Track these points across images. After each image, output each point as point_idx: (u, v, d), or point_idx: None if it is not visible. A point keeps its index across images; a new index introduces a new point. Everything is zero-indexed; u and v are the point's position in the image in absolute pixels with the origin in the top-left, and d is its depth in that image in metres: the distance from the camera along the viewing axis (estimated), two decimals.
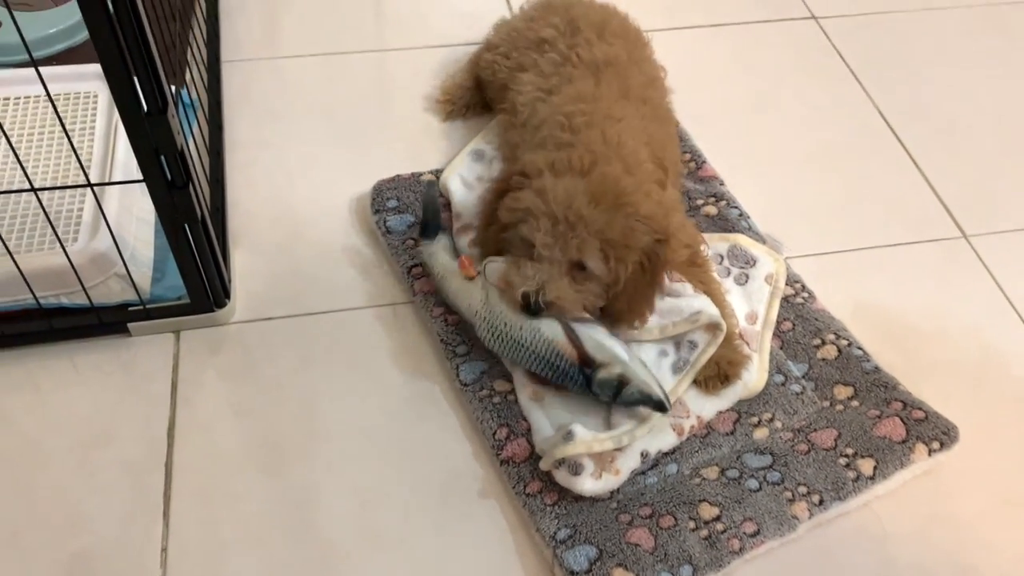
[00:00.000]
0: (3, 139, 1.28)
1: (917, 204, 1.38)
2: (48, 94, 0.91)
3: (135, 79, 0.86)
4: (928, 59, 1.63)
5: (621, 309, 1.05)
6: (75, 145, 1.28)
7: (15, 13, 1.50)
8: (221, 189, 1.29)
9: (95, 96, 1.34)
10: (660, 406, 0.99)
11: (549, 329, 1.02)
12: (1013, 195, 1.40)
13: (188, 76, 1.29)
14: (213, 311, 1.15)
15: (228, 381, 1.11)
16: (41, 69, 1.35)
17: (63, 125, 0.89)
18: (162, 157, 0.94)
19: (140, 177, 0.96)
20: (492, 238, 1.09)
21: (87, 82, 1.36)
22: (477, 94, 1.43)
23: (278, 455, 1.05)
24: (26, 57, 1.45)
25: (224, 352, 1.14)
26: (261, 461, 1.04)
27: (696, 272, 1.15)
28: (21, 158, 1.26)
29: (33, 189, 0.93)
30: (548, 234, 1.00)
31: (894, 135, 1.48)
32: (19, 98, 1.35)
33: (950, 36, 1.68)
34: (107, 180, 1.20)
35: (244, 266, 1.23)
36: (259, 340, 1.16)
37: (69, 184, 1.18)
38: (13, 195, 1.20)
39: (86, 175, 0.95)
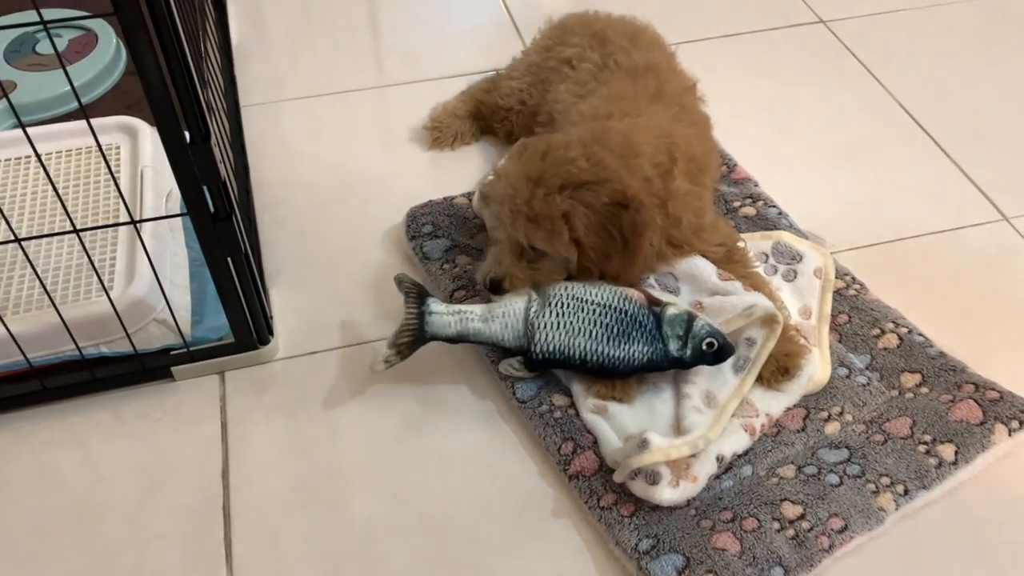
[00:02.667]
0: (32, 192, 1.27)
1: (954, 191, 1.37)
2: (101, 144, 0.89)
3: (178, 108, 0.85)
4: (941, 53, 1.63)
5: (600, 274, 1.06)
6: (103, 195, 1.28)
7: (32, 74, 1.51)
8: (253, 229, 1.27)
9: (117, 147, 1.33)
10: (726, 345, 1.01)
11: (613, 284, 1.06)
12: None
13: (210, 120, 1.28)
14: (257, 348, 1.12)
15: (279, 418, 1.08)
16: (61, 125, 1.39)
17: (109, 168, 0.88)
18: (205, 188, 0.93)
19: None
20: None
21: (108, 135, 1.34)
22: (468, 123, 1.44)
23: (339, 489, 1.01)
24: (44, 115, 1.47)
25: (272, 390, 1.11)
26: (322, 496, 1.01)
27: (736, 268, 1.14)
28: (49, 211, 1.26)
29: (76, 230, 0.91)
30: (494, 217, 1.05)
31: (920, 127, 1.47)
32: (41, 155, 1.33)
33: (958, 30, 1.69)
34: (138, 228, 1.18)
35: (283, 304, 1.21)
36: (306, 375, 1.13)
37: (112, 223, 1.16)
38: (43, 249, 1.19)
39: (130, 213, 0.93)
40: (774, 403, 1.04)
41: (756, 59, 1.62)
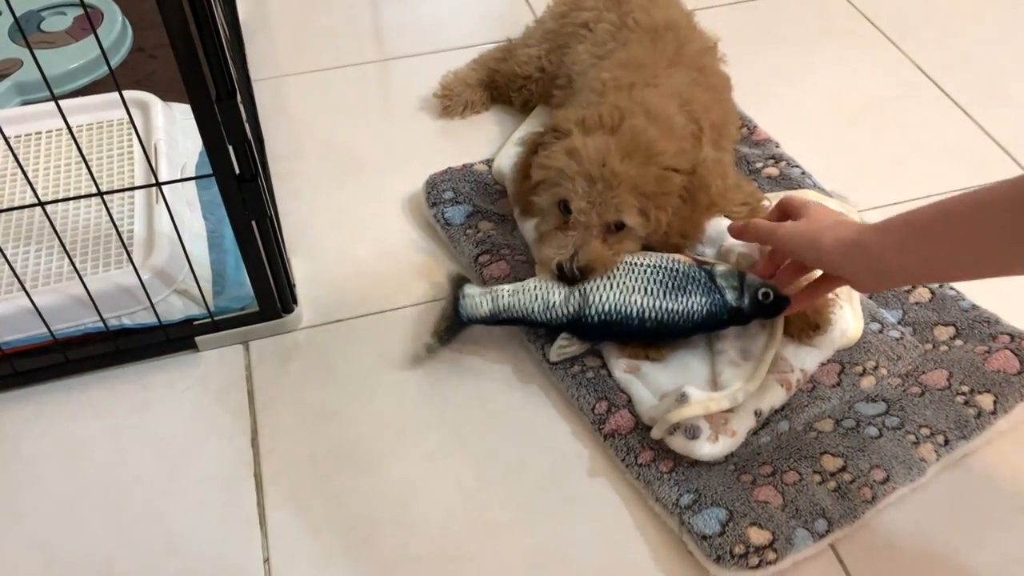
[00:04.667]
0: (45, 168, 1.25)
1: (975, 149, 1.36)
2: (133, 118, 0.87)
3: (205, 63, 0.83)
4: (953, 14, 1.62)
5: (677, 243, 1.05)
6: (116, 170, 1.26)
7: (39, 51, 1.49)
8: (272, 200, 1.25)
9: (130, 121, 1.31)
10: (782, 296, 0.97)
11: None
12: None
13: None
14: (281, 317, 1.10)
15: (306, 386, 1.06)
16: (69, 101, 1.36)
17: (137, 132, 0.86)
18: (230, 148, 0.91)
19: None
20: (524, 193, 1.08)
21: (120, 109, 1.33)
22: (479, 92, 1.42)
23: (370, 453, 1.00)
24: (56, 91, 1.44)
25: (297, 358, 1.10)
26: (354, 461, 0.99)
27: None
28: (63, 186, 1.24)
29: (100, 193, 0.89)
30: (584, 197, 0.98)
31: (938, 88, 1.46)
32: (51, 131, 1.32)
33: None
34: (154, 202, 1.16)
35: (304, 273, 1.19)
36: (331, 343, 1.11)
37: (135, 186, 1.14)
38: (58, 221, 1.17)
39: (155, 174, 0.91)
40: (808, 358, 1.03)
41: (770, 25, 1.61)
